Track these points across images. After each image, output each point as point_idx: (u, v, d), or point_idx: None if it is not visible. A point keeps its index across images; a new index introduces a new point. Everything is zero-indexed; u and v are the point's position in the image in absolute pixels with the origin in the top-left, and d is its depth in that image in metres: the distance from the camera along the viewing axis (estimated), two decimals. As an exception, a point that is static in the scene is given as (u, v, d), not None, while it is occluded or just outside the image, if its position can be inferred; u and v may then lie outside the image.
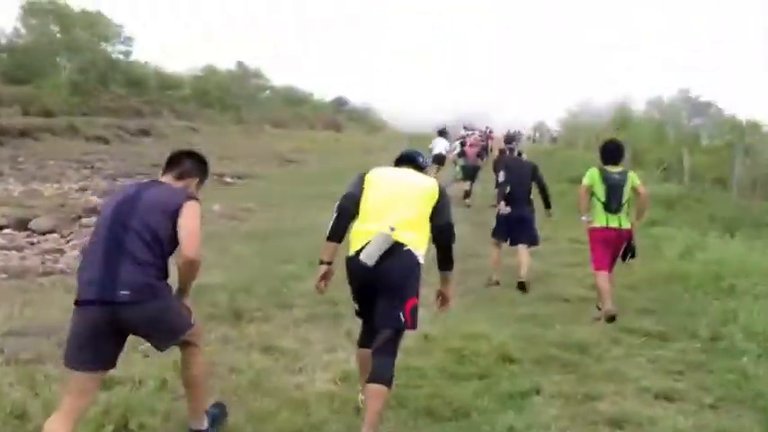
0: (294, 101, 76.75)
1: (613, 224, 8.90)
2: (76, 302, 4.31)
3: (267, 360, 6.94)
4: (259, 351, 7.18)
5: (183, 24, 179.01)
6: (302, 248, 12.17)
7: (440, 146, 25.32)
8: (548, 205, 11.25)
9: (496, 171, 13.71)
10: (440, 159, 24.78)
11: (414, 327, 5.10)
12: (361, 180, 5.32)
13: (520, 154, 12.90)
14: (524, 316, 9.23)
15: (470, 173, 22.93)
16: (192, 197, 4.59)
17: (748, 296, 9.75)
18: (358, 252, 4.98)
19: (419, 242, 5.09)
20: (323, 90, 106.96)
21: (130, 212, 4.39)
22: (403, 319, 4.96)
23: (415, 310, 5.05)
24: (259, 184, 23.32)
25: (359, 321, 5.60)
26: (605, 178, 8.92)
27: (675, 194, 23.29)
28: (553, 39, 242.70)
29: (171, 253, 4.52)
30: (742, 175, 23.71)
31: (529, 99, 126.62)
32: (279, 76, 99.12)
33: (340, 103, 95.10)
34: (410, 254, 5.00)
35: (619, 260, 9.20)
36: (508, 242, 11.41)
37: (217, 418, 5.08)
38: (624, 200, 8.91)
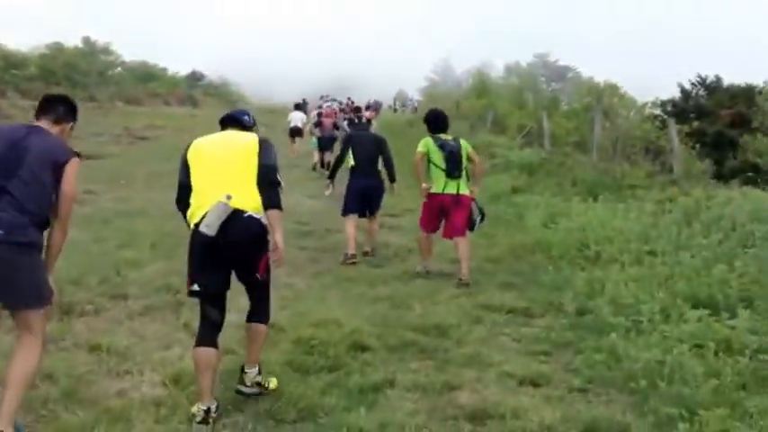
0: (147, 77, 73.98)
1: (451, 190, 9.28)
2: None
3: (91, 362, 6.16)
4: (86, 351, 6.41)
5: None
6: (145, 230, 11.38)
7: (296, 119, 25.93)
8: (392, 178, 11.06)
9: None
10: (296, 132, 25.31)
11: (267, 276, 5.33)
12: (184, 163, 5.23)
13: (369, 122, 12.52)
14: (381, 296, 8.59)
15: (326, 144, 22.79)
16: (75, 154, 4.68)
17: (615, 265, 9.30)
18: (197, 224, 4.93)
19: (257, 205, 5.07)
20: (179, 65, 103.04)
21: (18, 159, 4.44)
22: (261, 278, 5.26)
23: (267, 265, 5.25)
24: (107, 164, 22.00)
25: (198, 311, 5.23)
26: (442, 146, 9.31)
27: (537, 160, 23.08)
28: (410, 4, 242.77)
29: (49, 209, 4.59)
30: (601, 138, 23.69)
31: (392, 69, 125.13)
32: (131, 51, 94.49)
33: (195, 78, 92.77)
34: (252, 218, 5.00)
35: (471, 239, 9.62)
36: (367, 214, 11.19)
37: None
38: (463, 165, 9.30)
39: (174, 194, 5.30)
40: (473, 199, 9.57)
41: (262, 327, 5.40)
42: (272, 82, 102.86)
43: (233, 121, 5.51)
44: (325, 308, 7.63)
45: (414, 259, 10.56)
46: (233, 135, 5.37)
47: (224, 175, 5.04)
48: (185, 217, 5.18)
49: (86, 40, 63.99)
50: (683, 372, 5.75)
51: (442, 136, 9.50)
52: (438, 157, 9.32)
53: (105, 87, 60.82)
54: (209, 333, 5.08)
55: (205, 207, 4.92)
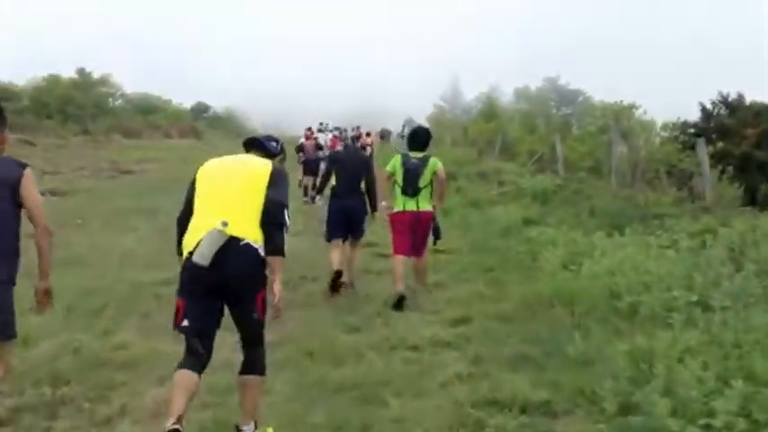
0: (149, 109, 72.49)
1: (410, 207, 9.21)
2: None
3: None
4: None
5: (24, 33, 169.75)
6: (69, 286, 8.77)
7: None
8: (372, 205, 10.33)
9: None
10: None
11: (264, 315, 4.91)
12: (192, 182, 5.01)
13: (364, 147, 11.84)
14: (347, 383, 6.26)
15: (310, 167, 22.39)
16: (25, 165, 4.66)
17: (660, 325, 7.05)
18: (191, 253, 4.64)
19: (256, 233, 4.75)
20: (184, 97, 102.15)
21: None
22: (258, 317, 4.86)
23: (264, 302, 4.85)
24: (74, 201, 19.96)
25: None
26: (404, 163, 9.25)
27: (550, 187, 21.02)
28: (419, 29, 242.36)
29: (17, 234, 4.60)
30: (619, 162, 21.58)
31: (400, 99, 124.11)
32: (134, 83, 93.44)
33: (200, 110, 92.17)
34: (249, 247, 4.68)
35: None
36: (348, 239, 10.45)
37: None
38: (422, 184, 9.17)
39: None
40: (433, 216, 9.49)
41: (256, 379, 4.97)
42: (283, 113, 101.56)
43: (257, 145, 5.31)
44: (262, 410, 5.34)
45: (403, 322, 8.35)
46: (247, 159, 5.15)
47: (225, 199, 4.79)
48: (179, 240, 4.91)
49: (81, 71, 61.94)
50: None
51: (412, 154, 9.40)
52: (399, 175, 9.30)
53: (103, 120, 59.35)
54: (193, 361, 4.62)
55: (199, 233, 4.64)
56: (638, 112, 25.03)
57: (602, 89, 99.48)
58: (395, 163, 9.43)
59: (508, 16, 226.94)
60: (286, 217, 4.86)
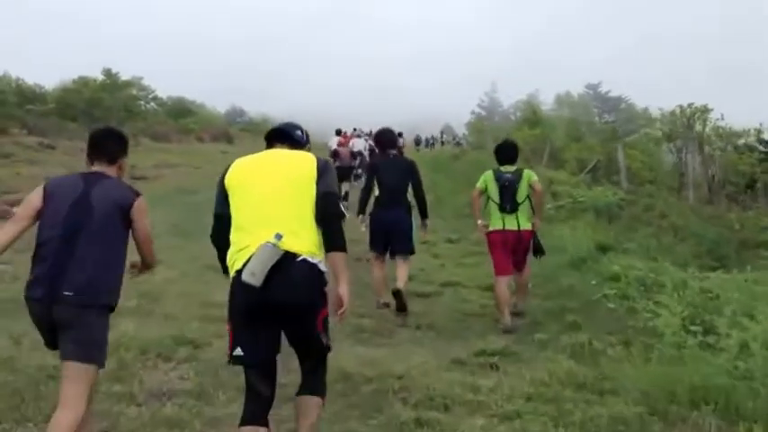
0: (183, 113, 71.32)
1: (511, 226, 8.69)
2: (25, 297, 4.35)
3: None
4: None
5: (53, 33, 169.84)
6: None
7: (358, 145, 24.25)
8: (424, 214, 9.45)
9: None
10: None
11: (328, 338, 4.31)
12: (221, 190, 4.42)
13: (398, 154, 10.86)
14: None
15: (343, 174, 20.03)
16: (138, 194, 4.59)
17: None
18: (239, 272, 4.10)
19: (314, 246, 4.20)
20: (218, 102, 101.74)
21: (83, 215, 4.36)
22: (323, 341, 4.27)
23: (326, 322, 4.29)
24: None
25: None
26: (497, 178, 8.84)
27: (615, 201, 18.06)
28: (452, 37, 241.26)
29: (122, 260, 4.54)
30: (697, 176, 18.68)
31: (434, 103, 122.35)
32: (168, 87, 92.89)
33: (235, 114, 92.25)
34: (306, 264, 4.13)
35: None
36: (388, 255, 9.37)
37: None
38: (520, 199, 8.73)
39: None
40: (533, 232, 8.92)
41: (315, 400, 4.33)
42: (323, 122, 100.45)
43: (282, 136, 4.63)
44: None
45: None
46: (284, 156, 4.46)
47: (273, 207, 4.23)
48: (222, 259, 4.41)
49: (108, 72, 60.31)
50: None
51: (504, 168, 8.91)
52: (494, 191, 8.83)
53: (132, 123, 58.60)
54: (257, 409, 4.21)
55: (248, 249, 4.12)
56: (712, 117, 21.95)
57: (645, 95, 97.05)
58: (486, 179, 8.93)
59: (538, 24, 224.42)
60: (342, 207, 4.41)
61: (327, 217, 4.26)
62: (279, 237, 4.09)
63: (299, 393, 4.33)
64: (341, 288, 4.24)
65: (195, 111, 76.05)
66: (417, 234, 9.39)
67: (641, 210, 17.31)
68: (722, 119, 20.89)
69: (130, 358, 6.30)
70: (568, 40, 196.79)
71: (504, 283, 8.58)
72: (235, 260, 4.22)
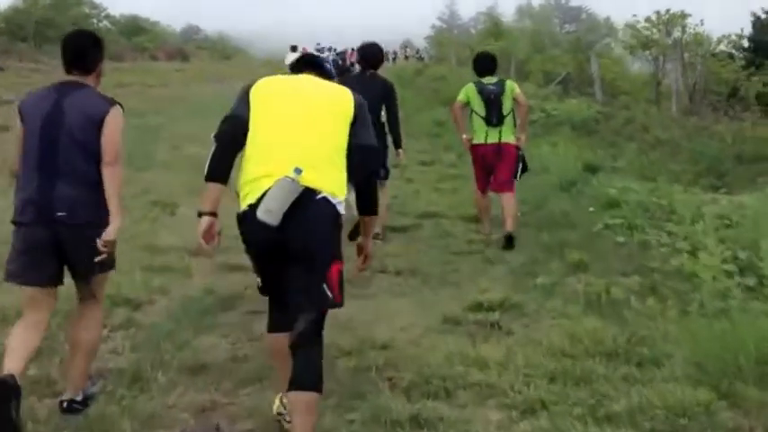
0: (136, 31, 68.95)
1: (493, 139, 8.44)
2: (14, 222, 4.28)
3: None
4: None
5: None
6: None
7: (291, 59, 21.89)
8: (398, 144, 8.77)
9: None
10: None
11: (341, 302, 3.79)
12: (245, 96, 3.91)
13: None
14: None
15: None
16: (114, 103, 4.33)
17: None
18: (253, 206, 3.68)
19: (337, 185, 3.81)
20: (174, 19, 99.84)
21: (58, 125, 4.19)
22: (330, 294, 3.72)
23: (341, 278, 3.79)
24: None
25: None
26: (481, 91, 8.52)
27: (591, 115, 16.94)
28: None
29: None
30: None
31: (391, 18, 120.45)
32: (123, 4, 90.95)
33: (191, 32, 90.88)
34: (326, 203, 3.75)
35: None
36: None
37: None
38: (505, 111, 8.47)
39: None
40: (518, 147, 8.55)
41: (311, 397, 3.64)
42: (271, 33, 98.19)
43: (314, 64, 4.22)
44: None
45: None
46: (319, 84, 4.03)
47: (298, 134, 3.79)
48: (218, 159, 3.80)
49: None
50: None
51: (485, 80, 8.58)
52: (478, 104, 8.48)
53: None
54: (282, 315, 3.88)
55: (263, 181, 3.68)
56: (691, 23, 20.65)
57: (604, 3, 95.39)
58: (468, 91, 8.58)
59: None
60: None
61: (366, 174, 4.08)
62: (299, 171, 3.68)
63: (290, 387, 3.68)
64: (367, 243, 4.17)
65: (149, 29, 73.26)
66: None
67: (621, 123, 16.32)
68: (702, 24, 19.75)
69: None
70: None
71: (484, 198, 8.62)
72: (247, 192, 3.82)
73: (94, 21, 65.04)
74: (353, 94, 4.00)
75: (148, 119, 16.94)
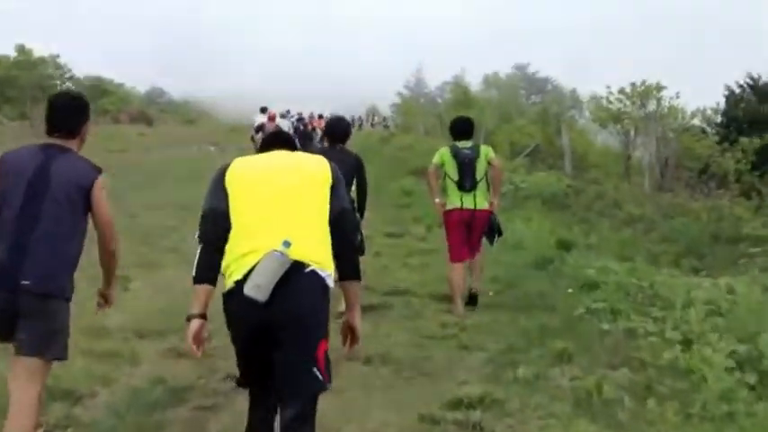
0: (101, 93, 68.31)
1: (468, 204, 8.41)
2: None
3: None
4: None
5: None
6: None
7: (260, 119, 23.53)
8: (362, 212, 8.35)
9: None
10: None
11: (330, 382, 3.68)
12: (220, 183, 3.85)
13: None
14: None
15: None
16: (100, 170, 4.34)
17: None
18: (240, 283, 3.55)
19: (325, 257, 3.71)
20: (141, 81, 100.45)
21: (43, 188, 4.13)
22: (320, 377, 3.58)
23: (327, 358, 3.67)
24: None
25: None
26: (456, 154, 8.50)
27: (561, 189, 16.68)
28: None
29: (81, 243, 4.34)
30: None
31: (356, 84, 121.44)
32: (88, 66, 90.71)
33: (156, 95, 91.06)
34: (316, 276, 3.62)
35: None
36: None
37: None
38: (479, 176, 8.45)
39: None
40: (491, 212, 8.56)
41: None
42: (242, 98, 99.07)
43: (284, 141, 4.18)
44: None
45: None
46: (293, 157, 4.05)
47: (281, 210, 3.73)
48: (205, 262, 3.72)
49: (21, 49, 58.41)
50: None
51: (460, 144, 8.55)
52: (451, 168, 8.45)
53: (45, 103, 56.59)
54: (263, 415, 3.78)
55: (250, 257, 3.57)
56: (666, 95, 20.40)
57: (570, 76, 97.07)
58: (442, 154, 8.56)
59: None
60: (360, 228, 4.32)
61: (344, 239, 3.84)
62: (287, 244, 3.60)
63: None
64: (354, 319, 3.89)
65: (113, 91, 73.24)
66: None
67: (592, 198, 16.02)
68: (677, 97, 19.59)
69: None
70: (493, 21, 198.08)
71: (459, 270, 8.37)
72: (233, 270, 3.69)
73: (57, 82, 65.24)
74: (328, 161, 3.97)
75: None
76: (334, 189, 3.86)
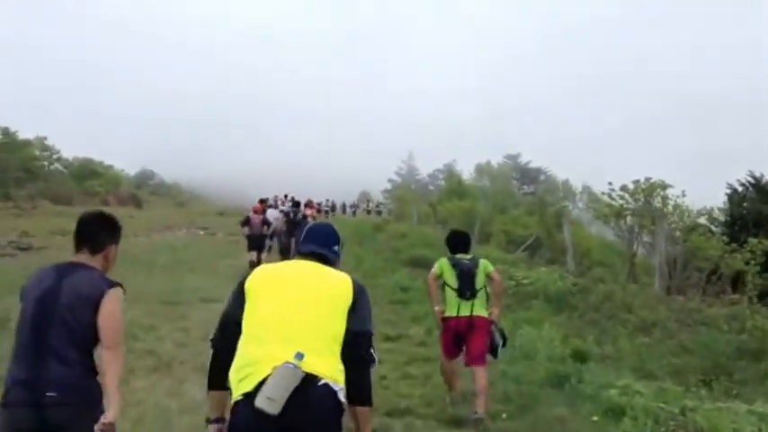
0: (89, 174, 69.43)
1: (465, 312, 8.37)
2: (3, 404, 4.10)
3: None
4: None
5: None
6: None
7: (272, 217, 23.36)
8: None
9: None
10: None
11: None
12: (241, 287, 3.88)
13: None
14: None
15: (256, 242, 21.19)
16: (114, 285, 4.31)
17: None
18: (250, 395, 3.42)
19: (337, 371, 3.61)
20: (128, 163, 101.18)
21: (52, 304, 4.14)
22: None
23: None
24: None
25: None
26: (455, 264, 8.59)
27: (564, 287, 15.89)
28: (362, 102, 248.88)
29: (95, 346, 4.28)
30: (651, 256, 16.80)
31: (347, 170, 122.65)
32: (78, 149, 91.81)
33: (146, 177, 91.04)
34: (328, 391, 3.51)
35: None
36: None
37: None
38: (478, 286, 8.43)
39: None
40: (492, 321, 8.41)
41: None
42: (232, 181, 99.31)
43: (314, 255, 4.06)
44: None
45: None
46: (317, 269, 3.97)
47: (296, 320, 3.66)
48: (216, 368, 3.74)
49: (5, 131, 58.29)
50: None
51: (459, 256, 8.62)
52: (451, 277, 8.47)
53: (32, 185, 56.84)
54: None
55: (261, 366, 3.47)
56: (672, 194, 19.71)
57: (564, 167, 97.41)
58: (442, 265, 8.61)
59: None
60: (373, 352, 3.78)
61: (356, 361, 3.68)
62: (300, 356, 3.50)
63: None
64: None
65: (102, 172, 73.73)
66: None
67: (599, 299, 15.12)
68: (683, 196, 18.87)
69: None
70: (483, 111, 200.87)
71: (451, 363, 8.48)
72: (242, 379, 3.54)
73: (45, 163, 64.83)
74: (353, 280, 3.90)
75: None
76: (354, 309, 3.76)
